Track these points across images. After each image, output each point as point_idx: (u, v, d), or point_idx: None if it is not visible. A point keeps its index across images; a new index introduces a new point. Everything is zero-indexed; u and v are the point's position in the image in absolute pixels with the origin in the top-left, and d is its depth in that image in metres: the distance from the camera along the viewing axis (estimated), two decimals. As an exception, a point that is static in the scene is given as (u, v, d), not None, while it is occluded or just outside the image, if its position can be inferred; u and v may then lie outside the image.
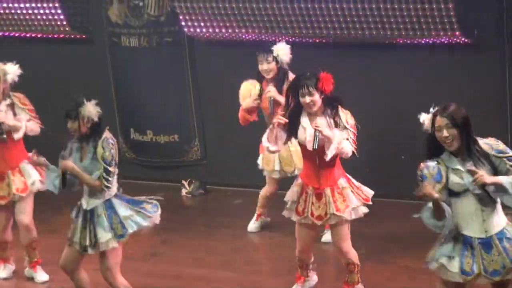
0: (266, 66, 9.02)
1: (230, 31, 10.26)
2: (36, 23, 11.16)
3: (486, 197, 6.09)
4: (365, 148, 9.96)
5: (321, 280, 8.13)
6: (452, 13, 9.21)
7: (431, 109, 6.19)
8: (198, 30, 10.46)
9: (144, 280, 8.51)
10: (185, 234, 9.77)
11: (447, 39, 9.43)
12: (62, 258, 7.54)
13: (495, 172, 6.09)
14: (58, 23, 11.08)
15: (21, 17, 11.19)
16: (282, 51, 8.96)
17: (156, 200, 7.61)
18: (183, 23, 10.49)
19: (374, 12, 9.54)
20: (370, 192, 7.68)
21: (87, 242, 7.32)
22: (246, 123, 9.23)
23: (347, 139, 7.32)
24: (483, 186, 5.98)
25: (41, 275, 8.73)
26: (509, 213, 8.78)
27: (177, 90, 11.03)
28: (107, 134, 7.29)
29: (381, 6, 9.48)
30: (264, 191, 9.42)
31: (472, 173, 5.98)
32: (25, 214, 8.55)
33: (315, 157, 7.40)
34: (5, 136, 8.34)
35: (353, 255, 7.65)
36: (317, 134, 7.19)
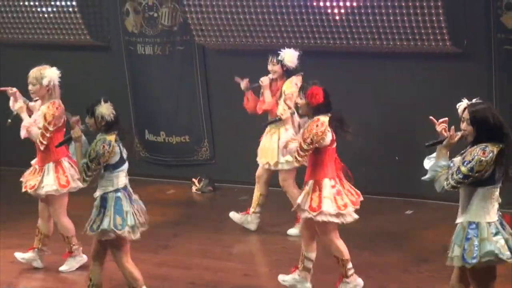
0: (271, 67, 9.07)
1: (237, 40, 10.28)
2: (58, 31, 11.20)
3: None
4: (362, 149, 10.03)
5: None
6: (443, 25, 9.24)
7: (474, 100, 6.21)
8: (208, 39, 10.47)
9: (156, 270, 8.50)
10: (194, 228, 9.76)
11: (439, 48, 9.43)
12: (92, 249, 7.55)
13: None
14: (79, 32, 11.11)
15: (45, 25, 11.22)
16: (288, 57, 8.94)
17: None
18: (194, 33, 10.51)
19: (371, 24, 9.56)
20: (357, 197, 7.58)
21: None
22: (250, 107, 9.25)
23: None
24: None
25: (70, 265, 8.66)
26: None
27: (188, 94, 11.04)
28: (110, 137, 7.21)
29: (378, 18, 9.50)
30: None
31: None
32: (58, 207, 8.44)
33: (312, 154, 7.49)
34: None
35: (335, 249, 7.57)
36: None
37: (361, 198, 7.59)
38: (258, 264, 8.83)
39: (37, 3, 11.10)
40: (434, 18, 9.22)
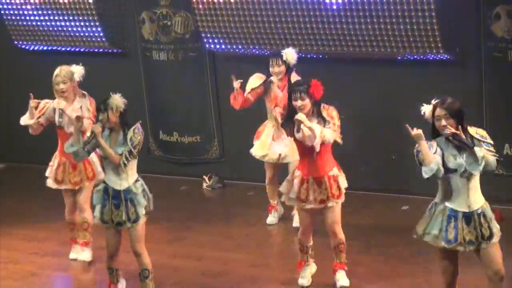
0: (277, 69, 8.98)
1: (245, 47, 10.28)
2: (78, 38, 11.19)
3: (472, 177, 6.19)
4: (361, 149, 10.05)
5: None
6: (436, 33, 9.23)
7: (432, 101, 6.25)
8: (217, 46, 10.47)
9: (170, 260, 8.53)
10: (205, 222, 9.75)
11: (433, 55, 9.42)
12: (107, 244, 7.48)
13: None
14: (98, 39, 11.11)
15: (66, 33, 11.21)
16: (290, 55, 8.92)
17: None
18: (205, 40, 10.50)
19: (369, 32, 9.54)
20: (345, 184, 7.60)
21: (123, 218, 7.26)
22: (237, 103, 9.18)
23: (329, 127, 7.31)
24: (454, 137, 6.11)
25: (85, 255, 8.64)
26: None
27: (199, 97, 11.03)
28: (139, 125, 7.23)
29: (376, 27, 9.47)
30: (266, 181, 9.43)
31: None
32: (85, 197, 8.45)
33: (312, 151, 7.36)
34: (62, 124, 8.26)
35: (343, 235, 7.61)
36: (297, 123, 7.21)
37: None
38: (264, 255, 8.79)
39: (58, 12, 11.08)
40: (428, 27, 9.21)
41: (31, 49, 11.59)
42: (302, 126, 7.17)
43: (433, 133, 6.30)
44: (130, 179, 7.31)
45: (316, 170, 7.46)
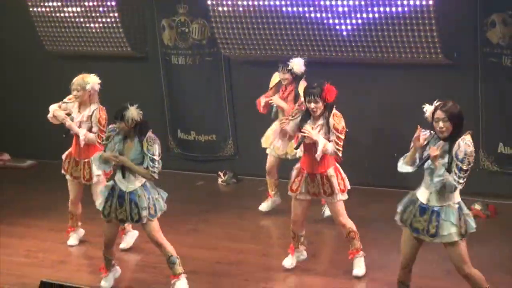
0: (282, 76, 9.04)
1: (257, 52, 10.28)
2: (103, 44, 11.20)
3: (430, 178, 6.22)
4: (365, 147, 10.06)
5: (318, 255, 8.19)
6: (436, 40, 9.23)
7: (435, 103, 6.23)
8: (232, 51, 10.47)
9: (187, 250, 8.51)
10: (220, 214, 9.77)
11: (432, 60, 9.42)
12: (104, 235, 7.58)
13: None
14: (122, 44, 11.10)
15: (93, 39, 11.22)
16: (296, 65, 8.91)
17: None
18: (220, 46, 10.50)
19: (373, 38, 9.55)
20: (347, 185, 7.69)
21: (125, 217, 7.35)
22: (261, 107, 9.23)
23: (332, 141, 7.39)
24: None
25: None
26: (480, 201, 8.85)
27: (215, 99, 11.04)
28: (150, 133, 7.27)
29: (380, 34, 9.48)
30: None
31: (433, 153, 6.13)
32: (96, 195, 8.44)
33: (312, 150, 7.47)
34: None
35: (351, 224, 7.67)
36: (301, 136, 7.43)
37: None
38: (274, 246, 8.82)
39: (85, 19, 11.11)
40: (428, 34, 9.21)
41: (59, 53, 11.60)
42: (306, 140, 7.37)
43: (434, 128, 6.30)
44: (137, 182, 7.36)
45: (313, 167, 7.57)
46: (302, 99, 7.93)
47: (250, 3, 10.02)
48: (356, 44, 9.68)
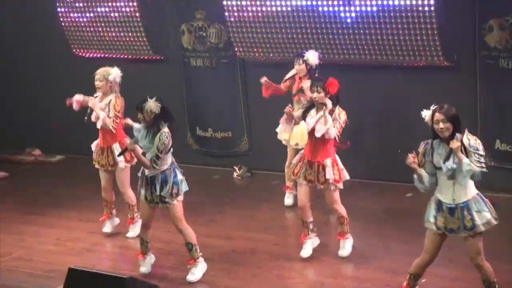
0: (298, 67, 9.03)
1: (270, 55, 10.33)
2: (127, 47, 11.26)
3: (457, 177, 6.21)
4: (371, 143, 10.08)
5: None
6: (437, 43, 9.25)
7: (431, 107, 6.29)
8: (247, 54, 10.53)
9: (205, 239, 8.52)
10: (235, 206, 9.78)
11: (433, 62, 9.44)
12: (141, 216, 7.66)
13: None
14: (144, 47, 11.16)
15: (116, 42, 11.29)
16: (311, 57, 8.95)
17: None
18: (235, 49, 10.56)
19: (379, 42, 9.57)
20: (346, 176, 7.77)
21: (153, 198, 7.40)
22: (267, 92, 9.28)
23: (335, 126, 7.55)
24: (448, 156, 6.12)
25: (131, 231, 8.75)
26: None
27: (231, 98, 11.06)
28: (165, 129, 7.27)
29: (384, 38, 9.51)
30: (286, 163, 9.41)
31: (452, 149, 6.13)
32: (121, 183, 8.57)
33: (313, 138, 7.63)
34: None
35: (342, 210, 7.79)
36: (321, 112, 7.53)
37: None
38: (286, 236, 8.83)
39: (110, 25, 11.18)
40: (430, 37, 9.23)
41: (85, 56, 11.68)
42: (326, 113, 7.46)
43: (434, 134, 6.33)
44: (164, 166, 7.37)
45: (312, 155, 7.70)
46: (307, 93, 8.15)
47: (264, 9, 10.07)
48: (362, 48, 9.70)
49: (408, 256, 7.59)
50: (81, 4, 11.26)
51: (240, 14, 10.21)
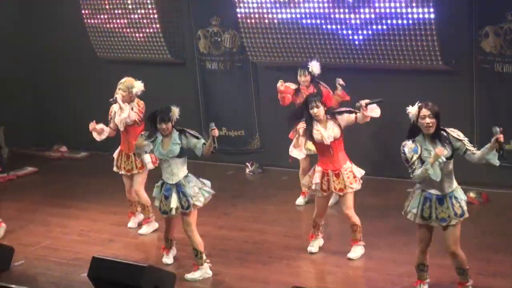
0: (304, 78, 9.01)
1: (281, 59, 10.34)
2: (146, 51, 11.24)
3: (444, 168, 6.25)
4: (373, 142, 10.08)
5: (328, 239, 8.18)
6: (437, 48, 9.24)
7: (416, 104, 6.34)
8: (259, 58, 10.52)
9: (218, 231, 8.62)
10: (247, 200, 9.79)
11: (432, 66, 9.42)
12: (165, 223, 7.64)
13: (453, 151, 6.27)
14: (163, 52, 11.14)
15: (137, 47, 11.27)
16: (315, 67, 8.95)
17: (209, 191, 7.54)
18: (248, 53, 10.56)
19: (382, 47, 9.56)
20: (361, 172, 7.69)
21: (175, 206, 7.31)
22: (284, 100, 9.20)
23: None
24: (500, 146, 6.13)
25: (144, 229, 8.73)
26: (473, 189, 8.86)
27: (243, 99, 11.06)
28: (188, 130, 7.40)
29: (387, 43, 9.49)
30: (300, 171, 9.34)
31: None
32: (138, 183, 8.60)
33: (330, 150, 7.53)
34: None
35: (356, 219, 7.65)
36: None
37: None
38: (295, 228, 8.82)
39: (131, 30, 11.16)
40: (429, 43, 9.23)
41: (109, 59, 11.68)
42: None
43: (412, 130, 6.39)
44: (181, 174, 7.37)
45: (334, 165, 7.59)
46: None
47: (275, 16, 10.08)
48: (366, 52, 9.69)
49: (407, 247, 7.65)
50: (105, 16, 11.26)
51: (253, 21, 10.22)
